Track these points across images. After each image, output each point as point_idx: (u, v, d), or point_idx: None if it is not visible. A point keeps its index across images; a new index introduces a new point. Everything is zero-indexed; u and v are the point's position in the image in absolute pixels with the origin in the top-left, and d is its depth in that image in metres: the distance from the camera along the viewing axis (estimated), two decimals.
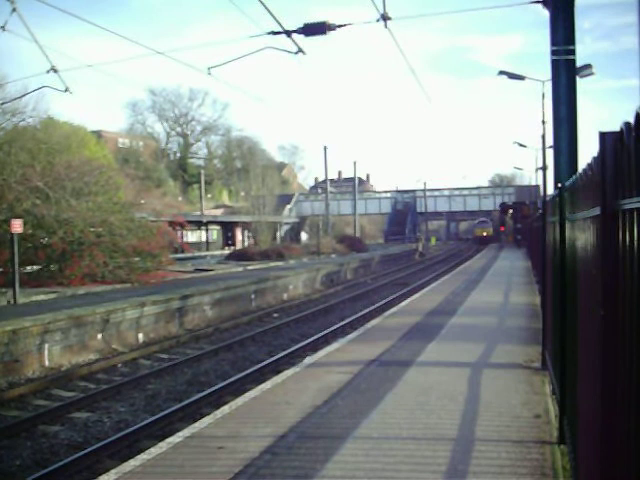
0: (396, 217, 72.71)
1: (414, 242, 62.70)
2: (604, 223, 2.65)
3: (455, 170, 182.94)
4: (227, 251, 45.70)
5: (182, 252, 36.71)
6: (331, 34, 10.49)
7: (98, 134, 59.82)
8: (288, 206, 67.90)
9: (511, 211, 54.44)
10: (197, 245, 48.67)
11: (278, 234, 56.25)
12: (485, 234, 69.18)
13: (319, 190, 79.16)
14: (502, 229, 61.22)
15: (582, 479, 3.69)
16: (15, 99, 34.90)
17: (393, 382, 7.42)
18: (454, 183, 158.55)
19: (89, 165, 26.06)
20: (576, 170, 7.27)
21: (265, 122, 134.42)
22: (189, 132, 78.30)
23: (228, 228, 56.11)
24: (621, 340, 2.42)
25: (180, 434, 5.89)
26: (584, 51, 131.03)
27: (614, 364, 2.52)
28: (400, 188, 77.86)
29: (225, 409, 6.67)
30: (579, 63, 8.85)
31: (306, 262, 36.07)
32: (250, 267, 30.99)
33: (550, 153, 13.47)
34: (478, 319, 12.57)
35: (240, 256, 38.29)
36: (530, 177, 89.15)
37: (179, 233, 40.65)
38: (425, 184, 70.16)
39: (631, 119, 2.26)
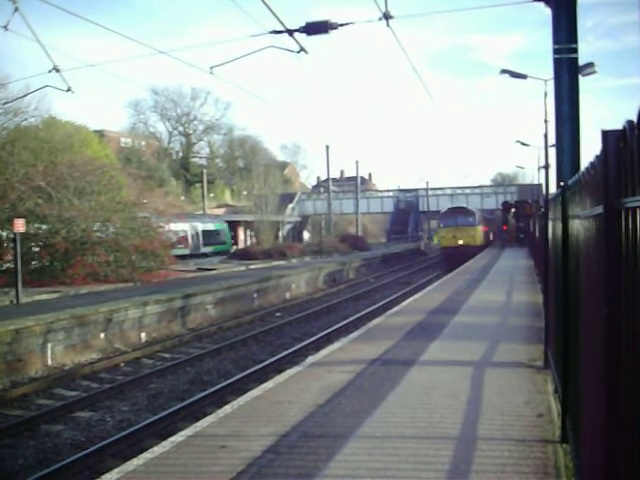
0: (398, 216, 72.54)
1: (417, 241, 62.66)
2: (607, 221, 2.64)
3: (457, 169, 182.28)
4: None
5: None
6: (333, 33, 10.47)
7: (100, 134, 59.76)
8: (290, 205, 67.82)
9: (513, 210, 54.27)
10: None
11: (280, 233, 56.25)
12: (462, 242, 39.13)
13: (321, 189, 78.98)
14: (504, 228, 61.02)
15: (585, 478, 3.69)
16: (17, 99, 34.85)
17: (395, 381, 7.41)
18: (456, 182, 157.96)
19: (91, 164, 26.11)
20: (579, 169, 7.25)
21: (267, 121, 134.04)
22: (191, 131, 78.21)
23: (230, 227, 56.10)
24: (624, 338, 2.42)
25: (183, 433, 5.89)
26: (586, 49, 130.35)
27: (617, 362, 2.51)
28: (402, 187, 77.59)
29: (227, 408, 6.67)
30: (581, 61, 8.84)
31: (308, 261, 36.09)
32: (252, 266, 31.02)
33: (552, 152, 13.44)
34: (480, 318, 12.55)
35: (242, 255, 38.36)
36: (532, 176, 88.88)
37: None
38: (427, 183, 70.05)
39: (634, 117, 2.26)
